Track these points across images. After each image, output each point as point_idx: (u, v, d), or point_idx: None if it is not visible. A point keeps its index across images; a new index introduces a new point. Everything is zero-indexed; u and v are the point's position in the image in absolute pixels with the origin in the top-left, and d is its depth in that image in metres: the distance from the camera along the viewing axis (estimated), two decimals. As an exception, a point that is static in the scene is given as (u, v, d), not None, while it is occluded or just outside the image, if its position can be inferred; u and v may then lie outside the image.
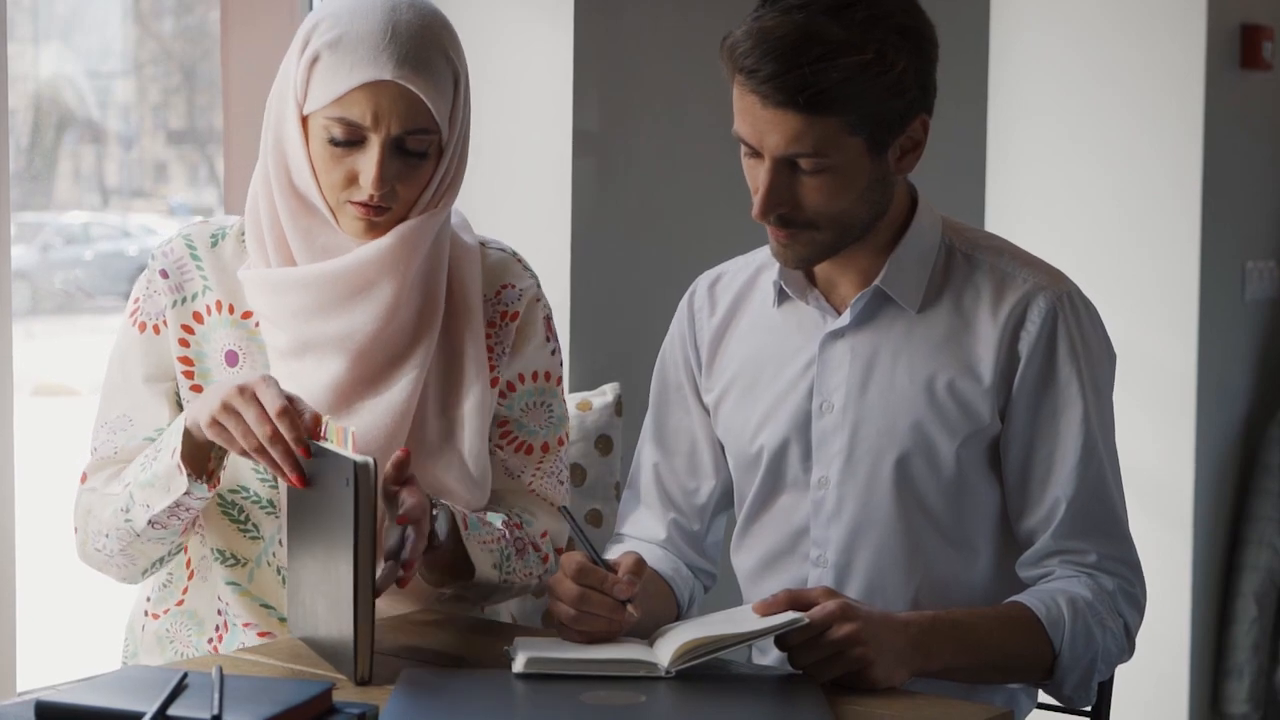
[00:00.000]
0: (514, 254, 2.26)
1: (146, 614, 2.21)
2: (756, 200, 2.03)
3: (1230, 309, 4.03)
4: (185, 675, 1.64)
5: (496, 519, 2.14)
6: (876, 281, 2.10)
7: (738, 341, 2.22)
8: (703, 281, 2.29)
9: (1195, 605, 3.96)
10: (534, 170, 3.05)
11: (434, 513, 1.98)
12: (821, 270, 2.15)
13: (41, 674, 2.57)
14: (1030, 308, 2.08)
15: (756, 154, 2.02)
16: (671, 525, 2.27)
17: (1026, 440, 2.09)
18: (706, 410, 2.26)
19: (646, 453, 2.29)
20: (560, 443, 2.27)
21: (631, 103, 3.13)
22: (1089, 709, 2.21)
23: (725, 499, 2.28)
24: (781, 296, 2.18)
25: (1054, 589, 2.05)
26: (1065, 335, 2.08)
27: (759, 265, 2.23)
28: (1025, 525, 2.10)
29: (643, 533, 2.28)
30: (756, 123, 2.00)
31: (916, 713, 1.81)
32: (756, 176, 2.03)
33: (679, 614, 2.21)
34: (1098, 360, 2.11)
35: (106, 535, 2.10)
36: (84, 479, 2.18)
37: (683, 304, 2.29)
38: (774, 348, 2.18)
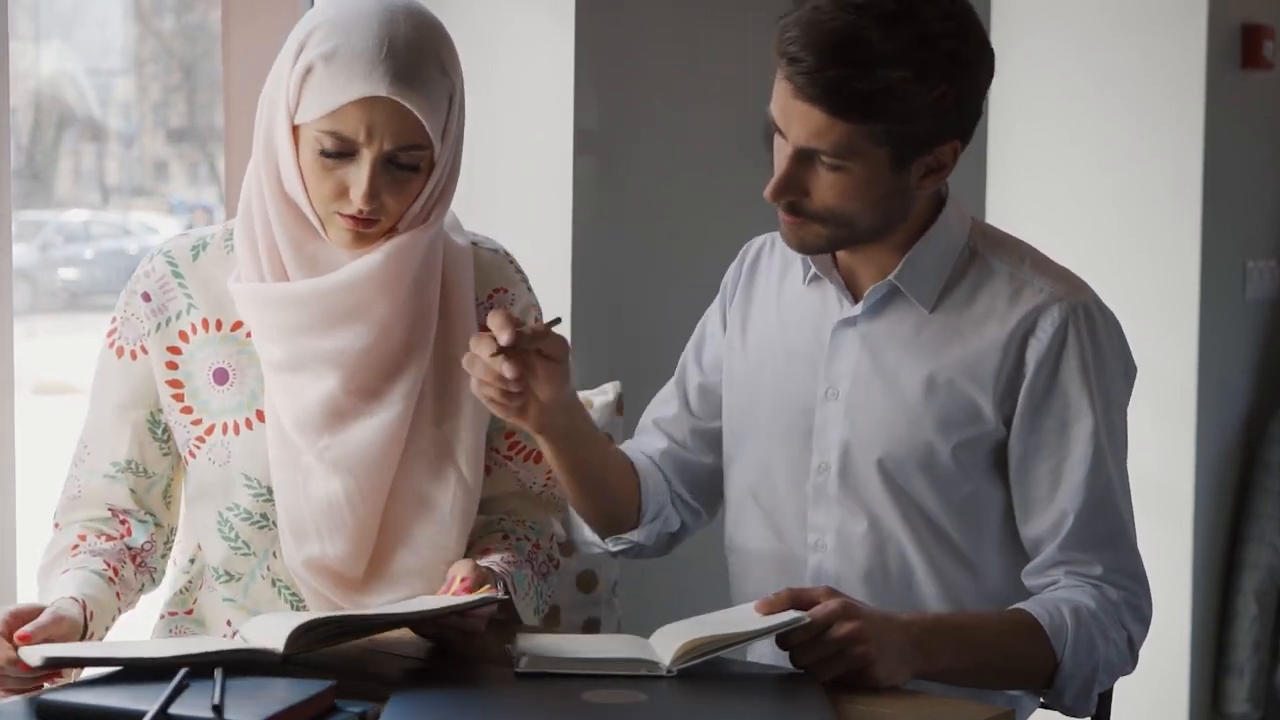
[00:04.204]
0: (506, 254, 2.22)
1: (161, 616, 2.21)
2: (771, 182, 2.03)
3: (1231, 308, 4.03)
4: (187, 673, 1.64)
5: (523, 549, 2.14)
6: (891, 276, 2.10)
7: (759, 310, 2.23)
8: (764, 243, 2.29)
9: (1195, 603, 3.96)
10: (535, 169, 3.05)
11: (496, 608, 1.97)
12: (844, 258, 2.15)
13: (42, 672, 2.56)
14: (1042, 318, 2.07)
15: (784, 135, 2.02)
16: (690, 432, 2.29)
17: (1032, 450, 2.08)
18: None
19: (687, 368, 2.32)
20: None
21: (633, 101, 3.13)
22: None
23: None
24: (814, 275, 2.18)
25: (1058, 598, 2.05)
26: (1076, 347, 2.06)
27: None
28: (1031, 534, 2.10)
29: (665, 427, 2.31)
30: (785, 109, 2.00)
31: (918, 712, 1.81)
32: (779, 157, 2.03)
33: (637, 517, 2.22)
34: (1111, 373, 2.09)
35: None
36: (55, 524, 2.15)
37: (735, 262, 2.30)
38: (791, 327, 2.19)
